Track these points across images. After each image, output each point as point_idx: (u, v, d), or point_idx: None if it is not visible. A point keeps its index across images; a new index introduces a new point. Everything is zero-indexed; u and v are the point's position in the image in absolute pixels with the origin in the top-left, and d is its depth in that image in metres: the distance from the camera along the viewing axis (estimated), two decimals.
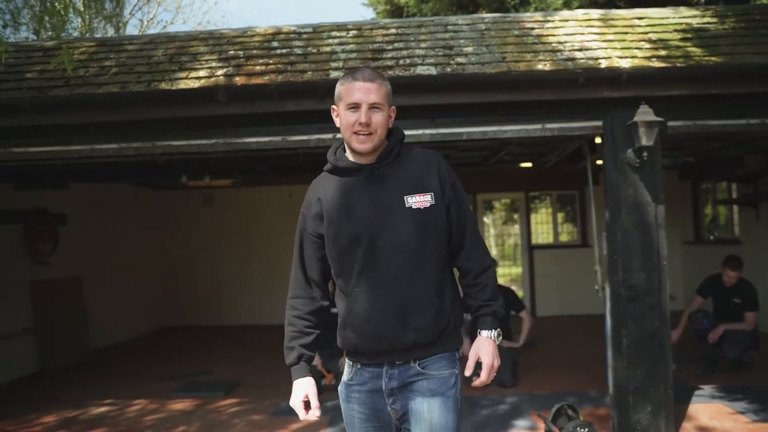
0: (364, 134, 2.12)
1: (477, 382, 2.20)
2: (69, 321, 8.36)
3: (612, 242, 4.78)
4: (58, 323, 8.16)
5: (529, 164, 8.17)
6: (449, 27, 5.32)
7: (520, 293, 10.77)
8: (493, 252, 15.84)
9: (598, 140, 5.17)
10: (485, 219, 12.45)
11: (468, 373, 2.22)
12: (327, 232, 2.19)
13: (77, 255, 8.74)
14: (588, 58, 4.59)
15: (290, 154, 5.91)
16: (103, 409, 6.14)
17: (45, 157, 5.22)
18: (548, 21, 5.48)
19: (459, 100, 4.63)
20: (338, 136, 4.75)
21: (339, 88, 2.21)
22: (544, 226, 11.98)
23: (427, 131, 4.76)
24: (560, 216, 12.00)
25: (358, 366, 2.23)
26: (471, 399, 5.82)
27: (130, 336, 10.16)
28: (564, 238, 11.71)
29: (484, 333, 2.23)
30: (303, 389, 2.25)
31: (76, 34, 11.98)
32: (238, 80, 4.46)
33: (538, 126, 4.82)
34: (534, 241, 11.31)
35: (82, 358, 8.42)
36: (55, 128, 4.94)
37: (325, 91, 4.34)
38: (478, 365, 2.20)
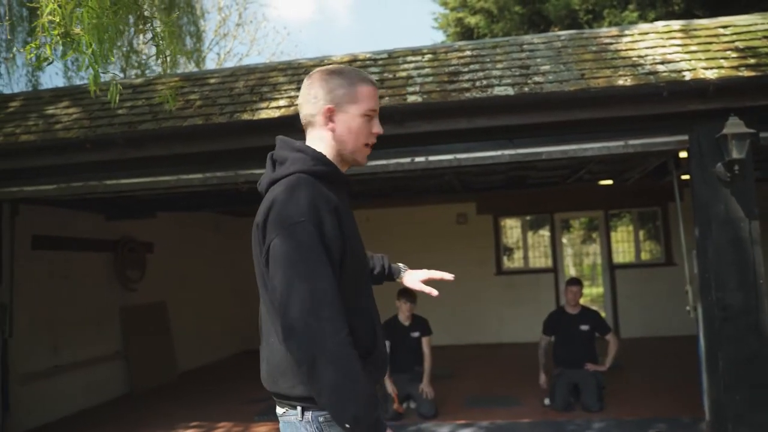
0: (371, 147, 1.89)
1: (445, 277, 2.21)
2: (156, 345, 8.67)
3: (703, 260, 4.58)
4: (147, 347, 8.46)
5: (609, 181, 7.96)
6: (525, 46, 5.28)
7: (602, 314, 10.45)
8: (571, 272, 15.46)
9: (683, 155, 4.99)
10: (563, 239, 12.16)
11: (434, 292, 2.19)
12: (353, 249, 1.77)
13: (163, 281, 9.07)
14: (671, 71, 4.46)
15: (368, 178, 5.97)
16: (190, 431, 6.29)
17: (135, 188, 5.47)
18: (626, 35, 5.36)
19: (537, 119, 4.58)
20: (416, 159, 4.79)
21: (352, 88, 1.83)
22: (624, 244, 11.62)
23: (506, 152, 4.73)
24: (641, 234, 11.61)
25: None
26: (557, 424, 5.66)
27: (212, 359, 10.42)
28: (645, 256, 11.31)
29: (405, 266, 2.34)
30: None
31: (158, 70, 12.57)
32: None
33: (621, 143, 4.71)
34: (614, 260, 10.98)
35: (169, 380, 8.69)
36: (144, 160, 5.17)
37: (403, 115, 4.38)
38: None
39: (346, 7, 47.99)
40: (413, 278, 2.23)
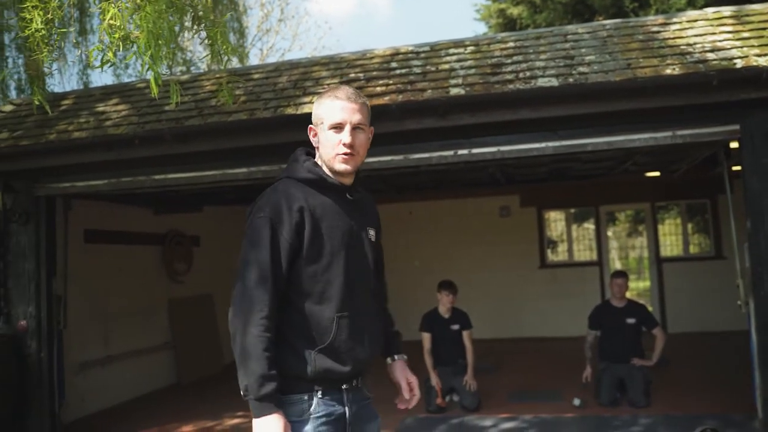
0: (348, 155, 2.07)
1: (414, 402, 2.31)
2: (203, 336, 8.85)
3: (755, 253, 4.46)
4: (193, 338, 8.65)
5: (656, 173, 7.80)
6: (569, 36, 5.21)
7: (649, 308, 10.26)
8: (617, 265, 15.19)
9: (734, 145, 4.86)
10: (608, 232, 11.97)
11: (409, 397, 2.30)
12: (311, 246, 2.02)
13: (209, 274, 9.24)
14: (721, 59, 4.34)
15: (411, 172, 5.98)
16: (236, 421, 6.41)
17: (182, 183, 5.59)
18: (674, 23, 5.23)
19: (582, 110, 4.51)
20: (459, 152, 4.77)
21: (319, 108, 2.13)
22: (671, 237, 11.38)
23: (550, 144, 4.67)
24: (690, 226, 11.33)
25: (318, 395, 2.04)
26: (602, 420, 5.59)
27: None
28: (694, 249, 11.05)
29: (402, 356, 2.36)
30: (283, 424, 1.92)
31: (203, 67, 12.77)
32: None
33: (668, 133, 4.61)
34: (662, 253, 10.75)
35: (215, 371, 8.86)
36: (190, 155, 5.28)
37: (446, 108, 4.37)
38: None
39: (387, 0, 47.94)
40: (399, 371, 2.34)
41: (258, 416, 1.91)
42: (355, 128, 2.07)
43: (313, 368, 2.00)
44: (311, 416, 2.01)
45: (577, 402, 5.98)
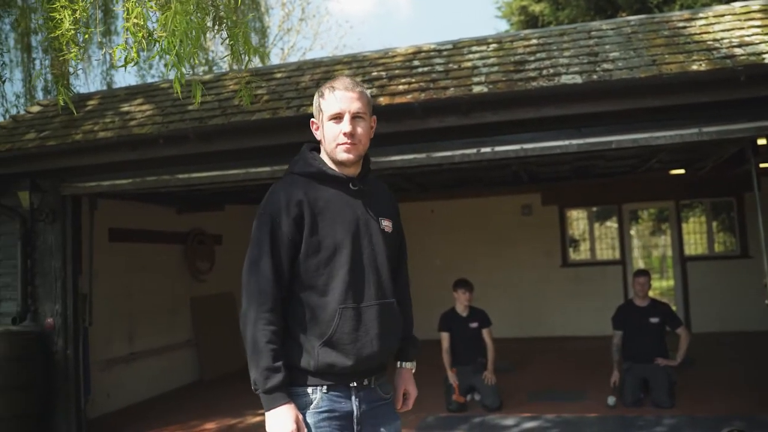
0: (349, 144, 2.06)
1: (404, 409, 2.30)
2: (225, 334, 8.91)
3: None
4: (215, 336, 8.72)
5: (681, 171, 7.70)
6: (593, 33, 5.16)
7: (673, 307, 10.15)
8: (639, 264, 15.03)
9: (761, 142, 4.79)
10: (631, 231, 11.85)
11: (399, 406, 2.27)
12: (311, 239, 2.02)
13: (231, 272, 9.27)
14: (749, 54, 4.27)
15: (434, 170, 5.96)
16: (258, 418, 6.44)
17: (205, 182, 5.63)
18: (700, 18, 5.17)
19: (606, 107, 4.47)
20: (482, 150, 4.75)
21: (318, 100, 2.13)
22: (695, 236, 11.23)
23: (574, 141, 4.63)
24: (714, 225, 11.18)
25: (323, 389, 2.02)
26: (626, 420, 5.54)
27: None
28: (719, 248, 10.89)
29: (409, 365, 2.31)
30: (294, 415, 1.94)
31: (225, 67, 12.86)
32: (383, 100, 4.58)
33: (695, 130, 4.55)
34: (686, 252, 10.61)
35: (237, 369, 8.92)
36: (214, 154, 5.32)
37: (469, 106, 4.35)
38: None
39: None
40: (401, 379, 2.30)
41: (268, 409, 1.93)
42: (354, 117, 2.06)
43: (316, 362, 1.99)
44: (313, 410, 2.00)
45: (611, 401, 5.92)
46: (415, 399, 2.34)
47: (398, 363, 2.30)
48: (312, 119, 2.17)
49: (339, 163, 2.09)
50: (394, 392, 2.26)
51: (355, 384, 2.06)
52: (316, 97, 2.15)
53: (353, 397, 2.05)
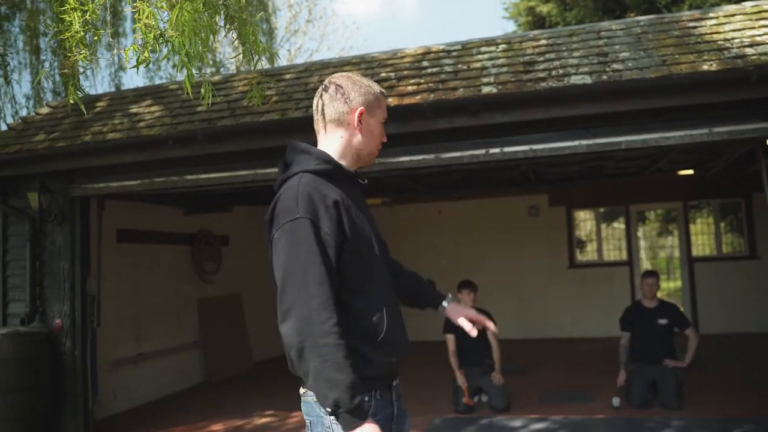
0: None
1: (474, 332, 2.25)
2: (232, 335, 8.92)
3: None
4: (222, 337, 8.72)
5: (690, 171, 7.67)
6: (602, 33, 5.15)
7: (680, 308, 10.11)
8: (646, 265, 14.98)
9: None
10: (638, 232, 11.81)
11: (469, 328, 2.22)
12: (352, 239, 1.90)
13: (238, 273, 9.31)
14: (761, 54, 4.25)
15: (443, 171, 5.95)
16: (265, 419, 6.44)
17: (214, 183, 5.63)
18: (710, 18, 5.15)
19: (616, 108, 4.46)
20: (491, 150, 4.74)
21: (378, 99, 2.06)
22: (702, 237, 11.19)
23: (584, 142, 4.62)
24: (722, 226, 11.13)
25: (377, 396, 1.92)
26: (634, 422, 5.51)
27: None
28: (726, 249, 10.85)
29: (449, 299, 2.28)
30: (377, 427, 1.80)
31: (232, 68, 12.88)
32: (392, 101, 4.57)
33: (705, 130, 4.53)
34: (693, 253, 10.57)
35: (244, 370, 8.93)
36: (222, 155, 5.32)
37: (478, 107, 4.34)
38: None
39: (414, 0, 47.91)
40: (457, 312, 2.26)
41: (352, 428, 1.76)
42: None
43: (376, 365, 1.89)
44: (373, 417, 1.85)
45: (616, 402, 5.90)
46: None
47: (441, 305, 2.27)
48: (362, 108, 2.00)
49: (364, 162, 2.08)
50: (459, 324, 2.24)
51: (396, 383, 2.02)
52: (374, 90, 2.05)
53: (393, 397, 2.00)
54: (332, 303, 1.79)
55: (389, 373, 1.98)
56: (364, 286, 1.93)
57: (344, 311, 1.87)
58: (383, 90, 2.09)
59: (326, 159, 1.97)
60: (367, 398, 1.86)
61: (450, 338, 6.25)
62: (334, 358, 1.74)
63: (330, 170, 1.95)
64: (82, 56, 3.54)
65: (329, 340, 1.75)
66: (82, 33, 3.47)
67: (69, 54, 3.66)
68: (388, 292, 2.03)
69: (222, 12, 3.81)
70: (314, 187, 1.88)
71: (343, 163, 2.01)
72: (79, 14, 3.35)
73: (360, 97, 2.01)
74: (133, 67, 3.27)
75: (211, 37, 3.64)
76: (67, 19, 3.33)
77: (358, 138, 2.02)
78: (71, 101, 4.11)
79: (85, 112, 5.16)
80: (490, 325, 2.25)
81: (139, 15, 3.20)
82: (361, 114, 2.00)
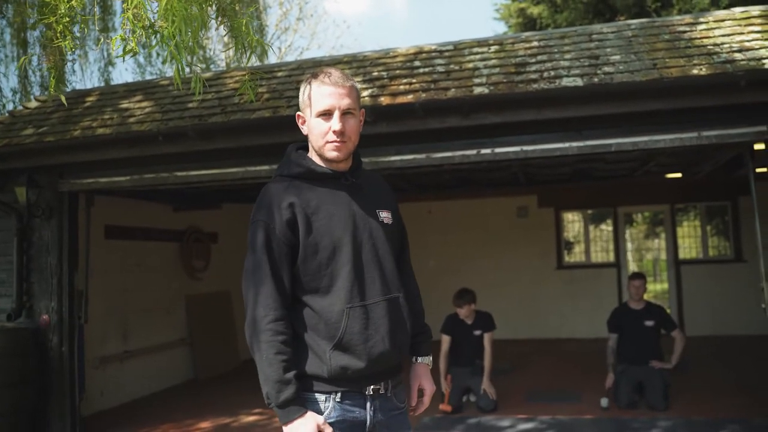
0: (339, 142, 1.97)
1: (419, 410, 2.20)
2: (220, 333, 8.89)
3: None
4: (210, 335, 8.69)
5: (677, 174, 7.73)
6: (594, 36, 5.18)
7: (667, 310, 10.18)
8: (633, 267, 15.08)
9: (758, 147, 4.81)
10: (625, 234, 11.88)
11: (414, 404, 2.19)
12: (307, 241, 1.93)
13: (227, 271, 9.27)
14: (749, 59, 4.30)
15: (433, 171, 5.97)
16: (253, 417, 6.43)
17: (204, 180, 5.61)
18: (700, 23, 5.19)
19: (607, 110, 4.49)
20: (482, 151, 4.76)
21: (306, 94, 2.02)
22: (689, 240, 11.28)
23: (574, 144, 4.65)
24: (708, 229, 11.23)
25: (337, 398, 1.94)
26: (620, 422, 5.55)
27: None
28: (713, 252, 10.95)
29: (424, 360, 2.23)
30: (313, 425, 1.85)
31: (223, 65, 12.83)
32: (384, 100, 4.57)
33: (694, 134, 4.57)
34: (680, 255, 10.66)
35: (232, 368, 8.90)
36: (213, 152, 5.30)
37: (470, 107, 4.35)
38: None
39: (404, 1, 47.89)
40: (417, 377, 2.22)
41: (285, 423, 1.85)
42: (344, 113, 1.97)
43: (329, 367, 1.90)
44: (327, 420, 1.90)
45: (604, 403, 5.94)
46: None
47: (413, 358, 2.21)
48: (298, 113, 2.07)
49: (328, 160, 2.02)
50: (409, 390, 2.17)
51: (371, 392, 1.98)
52: (303, 87, 2.04)
53: (368, 405, 1.98)
54: (274, 301, 1.89)
55: (355, 379, 1.95)
56: (326, 286, 1.95)
57: (305, 309, 1.96)
58: (329, 78, 1.98)
59: (298, 163, 2.03)
60: (323, 398, 1.93)
61: (445, 339, 6.24)
62: (267, 354, 1.85)
63: (302, 173, 2.01)
64: (66, 43, 3.48)
65: (264, 337, 1.86)
66: (68, 18, 3.42)
67: (54, 40, 3.57)
68: (367, 293, 1.97)
69: (213, 4, 3.76)
70: (276, 191, 1.98)
71: (320, 163, 2.02)
72: (65, 0, 3.30)
73: (300, 101, 2.08)
74: (120, 56, 3.22)
75: (202, 29, 3.60)
76: (52, 3, 3.27)
77: (310, 139, 2.05)
78: (52, 92, 4.04)
79: (66, 104, 5.12)
80: (421, 409, 2.23)
81: (127, 4, 3.16)
82: (298, 118, 2.09)
